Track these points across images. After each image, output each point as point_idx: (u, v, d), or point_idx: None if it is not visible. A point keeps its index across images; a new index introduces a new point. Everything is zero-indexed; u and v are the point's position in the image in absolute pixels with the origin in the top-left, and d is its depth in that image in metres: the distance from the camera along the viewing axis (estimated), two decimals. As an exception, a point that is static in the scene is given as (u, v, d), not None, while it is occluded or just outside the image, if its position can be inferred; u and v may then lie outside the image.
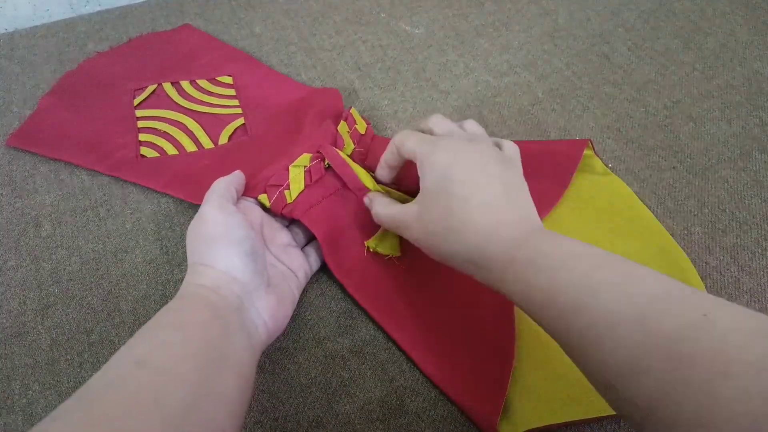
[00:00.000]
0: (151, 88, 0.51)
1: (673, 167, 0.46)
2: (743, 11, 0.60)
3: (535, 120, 0.50)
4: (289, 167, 0.40)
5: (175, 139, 0.47)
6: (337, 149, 0.41)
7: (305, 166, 0.40)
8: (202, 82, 0.52)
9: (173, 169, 0.45)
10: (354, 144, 0.44)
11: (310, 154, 0.40)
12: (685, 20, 0.60)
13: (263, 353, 0.36)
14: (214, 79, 0.53)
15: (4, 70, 0.54)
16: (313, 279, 0.39)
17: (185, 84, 0.52)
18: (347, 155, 0.42)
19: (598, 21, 0.60)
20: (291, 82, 0.53)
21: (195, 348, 0.27)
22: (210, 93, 0.51)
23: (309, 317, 0.38)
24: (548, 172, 0.44)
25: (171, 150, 0.46)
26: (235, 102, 0.51)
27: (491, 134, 0.49)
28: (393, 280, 0.38)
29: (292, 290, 0.35)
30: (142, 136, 0.47)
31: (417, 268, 0.39)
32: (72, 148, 0.46)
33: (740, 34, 0.58)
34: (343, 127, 0.44)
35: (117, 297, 0.39)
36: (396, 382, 0.35)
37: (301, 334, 0.37)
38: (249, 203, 0.38)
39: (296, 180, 0.39)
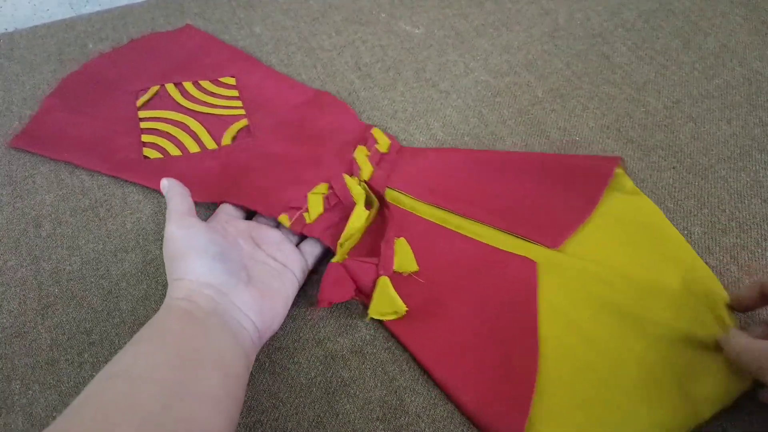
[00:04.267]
0: (154, 89, 0.51)
1: (673, 167, 0.46)
2: (743, 11, 0.60)
3: (535, 120, 0.50)
4: (308, 194, 0.40)
5: (178, 140, 0.47)
6: (351, 178, 0.42)
7: (323, 194, 0.41)
8: (205, 83, 0.52)
9: (176, 170, 0.45)
10: (374, 167, 0.44)
11: (327, 184, 0.41)
12: (684, 20, 0.60)
13: (263, 353, 0.36)
14: (217, 80, 0.52)
15: (4, 70, 0.54)
16: (314, 279, 0.39)
17: (188, 85, 0.52)
18: (365, 181, 0.42)
19: (598, 21, 0.60)
20: (293, 83, 0.53)
21: (169, 354, 0.27)
22: (213, 94, 0.51)
23: (309, 317, 0.38)
24: (577, 187, 0.43)
25: (174, 151, 0.46)
26: (238, 103, 0.50)
27: (491, 134, 0.49)
28: (412, 298, 0.37)
29: (284, 285, 0.36)
30: (145, 137, 0.47)
31: (437, 285, 0.38)
32: (75, 149, 0.46)
33: (740, 34, 0.58)
34: (360, 153, 0.44)
35: (117, 297, 0.39)
36: (396, 382, 0.35)
37: (301, 334, 0.37)
38: (231, 209, 0.39)
39: (314, 204, 0.40)
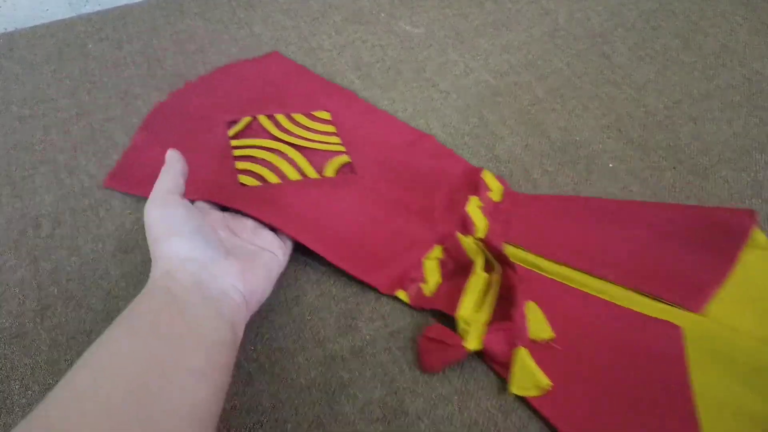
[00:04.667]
0: (246, 120, 0.48)
1: (674, 167, 0.46)
2: (743, 11, 0.60)
3: (535, 120, 0.50)
4: (423, 260, 0.39)
5: (276, 167, 0.44)
6: (465, 238, 0.39)
7: (439, 258, 0.39)
8: (299, 117, 0.48)
9: (279, 200, 0.41)
10: (488, 220, 0.41)
11: (442, 246, 0.39)
12: (685, 20, 0.60)
13: (263, 354, 0.36)
14: (311, 113, 0.49)
15: (4, 70, 0.54)
16: (314, 279, 0.39)
17: (281, 117, 0.48)
18: (480, 238, 0.39)
19: (599, 21, 0.60)
20: (394, 121, 0.49)
21: (142, 336, 0.27)
22: (308, 128, 0.48)
23: (309, 318, 0.38)
24: (711, 244, 0.39)
25: (273, 178, 0.43)
26: (337, 140, 0.47)
27: (491, 134, 0.49)
28: (551, 368, 0.34)
29: (265, 262, 0.36)
30: (240, 164, 0.44)
31: (574, 353, 0.35)
32: None
33: (740, 34, 0.58)
34: (473, 205, 0.41)
35: (117, 297, 0.39)
36: (396, 383, 0.35)
37: (302, 335, 0.37)
38: (204, 205, 0.39)
39: (432, 272, 0.38)
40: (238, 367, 0.35)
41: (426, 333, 0.35)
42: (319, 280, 0.39)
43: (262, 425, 0.33)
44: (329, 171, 0.44)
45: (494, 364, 0.35)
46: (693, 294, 0.37)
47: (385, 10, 0.61)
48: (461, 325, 0.35)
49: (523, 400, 0.34)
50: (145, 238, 0.41)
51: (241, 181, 0.43)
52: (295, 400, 0.34)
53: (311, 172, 0.44)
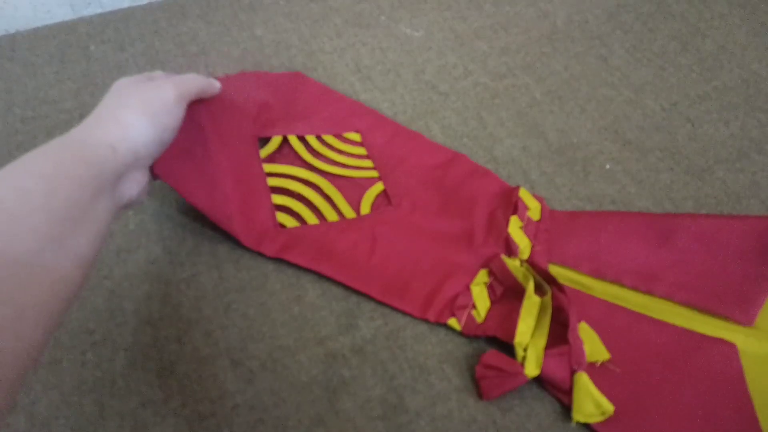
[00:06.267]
0: (276, 140, 0.46)
1: (671, 168, 0.47)
2: (741, 13, 0.61)
3: (533, 122, 0.50)
4: (470, 286, 0.38)
5: (313, 204, 0.43)
6: (511, 260, 0.39)
7: (485, 282, 0.39)
8: (329, 138, 0.48)
9: (318, 243, 0.40)
10: (531, 240, 0.40)
11: (487, 270, 0.39)
12: (682, 22, 0.60)
13: (265, 351, 0.36)
14: (341, 135, 0.48)
15: (6, 71, 0.54)
16: (314, 278, 0.40)
17: (311, 139, 0.47)
18: (525, 260, 0.39)
19: (596, 23, 0.60)
20: (425, 141, 0.48)
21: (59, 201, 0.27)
22: (339, 151, 0.47)
23: (310, 317, 0.38)
24: (757, 254, 0.39)
25: (310, 218, 0.42)
26: (369, 163, 0.46)
27: (489, 135, 0.49)
28: (610, 390, 0.33)
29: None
30: (276, 198, 0.43)
31: (631, 374, 0.35)
32: (205, 199, 0.39)
33: (738, 35, 0.58)
34: (514, 226, 0.41)
35: (120, 297, 0.39)
36: (396, 381, 0.35)
37: (303, 333, 0.37)
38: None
39: (480, 298, 0.38)
40: (240, 364, 0.36)
41: (483, 360, 0.34)
42: (319, 279, 0.40)
43: (263, 422, 0.34)
44: (365, 206, 0.43)
45: (553, 390, 0.34)
46: (744, 306, 0.36)
47: (385, 13, 0.61)
48: (519, 351, 0.34)
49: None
50: (148, 238, 0.42)
51: (280, 221, 0.42)
52: (296, 398, 0.34)
53: (348, 211, 0.43)
